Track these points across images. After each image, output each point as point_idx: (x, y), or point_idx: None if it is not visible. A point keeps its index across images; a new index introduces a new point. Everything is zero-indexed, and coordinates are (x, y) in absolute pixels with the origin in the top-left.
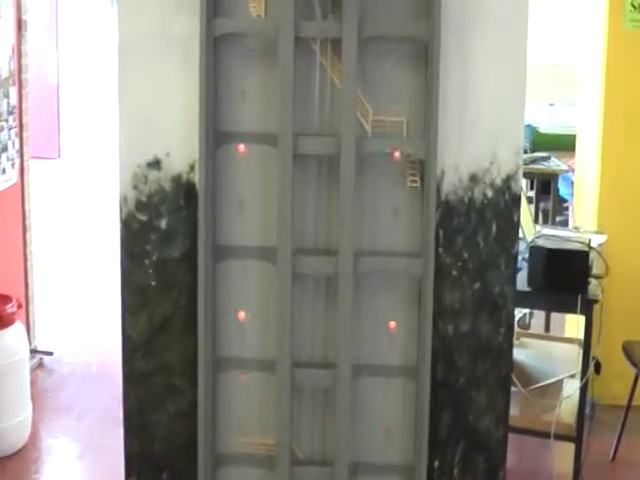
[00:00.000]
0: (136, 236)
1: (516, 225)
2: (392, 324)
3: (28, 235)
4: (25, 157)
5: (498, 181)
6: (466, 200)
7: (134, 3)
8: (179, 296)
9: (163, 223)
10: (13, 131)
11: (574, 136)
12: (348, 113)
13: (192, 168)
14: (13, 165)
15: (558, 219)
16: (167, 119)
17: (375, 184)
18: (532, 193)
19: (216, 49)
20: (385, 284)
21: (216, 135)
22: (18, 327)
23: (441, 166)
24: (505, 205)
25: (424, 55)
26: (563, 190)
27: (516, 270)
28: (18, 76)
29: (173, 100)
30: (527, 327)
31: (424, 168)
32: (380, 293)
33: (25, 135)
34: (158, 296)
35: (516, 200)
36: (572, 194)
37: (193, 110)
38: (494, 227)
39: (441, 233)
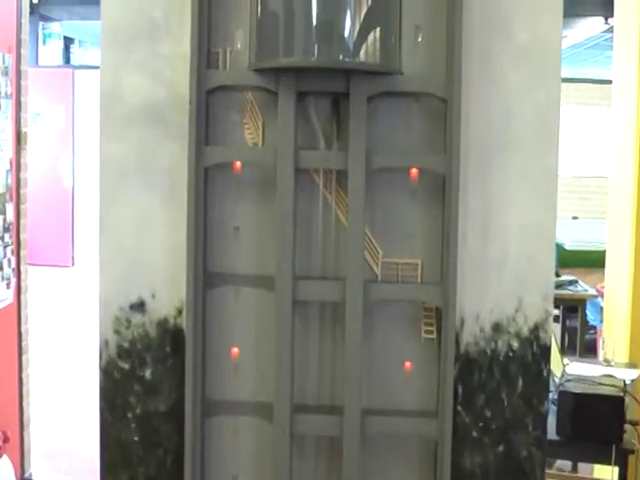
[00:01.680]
0: (118, 386)
1: (546, 380)
2: None
3: (24, 357)
4: (23, 276)
5: (525, 331)
6: (489, 352)
7: (115, 129)
8: (165, 455)
9: (148, 373)
10: (9, 249)
11: (602, 252)
12: (355, 254)
13: (180, 312)
14: (9, 285)
15: (586, 337)
16: (152, 257)
17: (385, 334)
18: (557, 312)
19: (206, 180)
20: (395, 447)
21: (206, 276)
22: (4, 462)
23: (460, 314)
24: (533, 358)
25: (441, 188)
26: (591, 316)
27: (546, 432)
28: (16, 191)
29: (159, 236)
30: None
31: (441, 317)
32: (390, 457)
33: (23, 253)
34: (141, 454)
35: (545, 352)
36: (601, 320)
37: (181, 248)
38: (520, 383)
39: (460, 390)
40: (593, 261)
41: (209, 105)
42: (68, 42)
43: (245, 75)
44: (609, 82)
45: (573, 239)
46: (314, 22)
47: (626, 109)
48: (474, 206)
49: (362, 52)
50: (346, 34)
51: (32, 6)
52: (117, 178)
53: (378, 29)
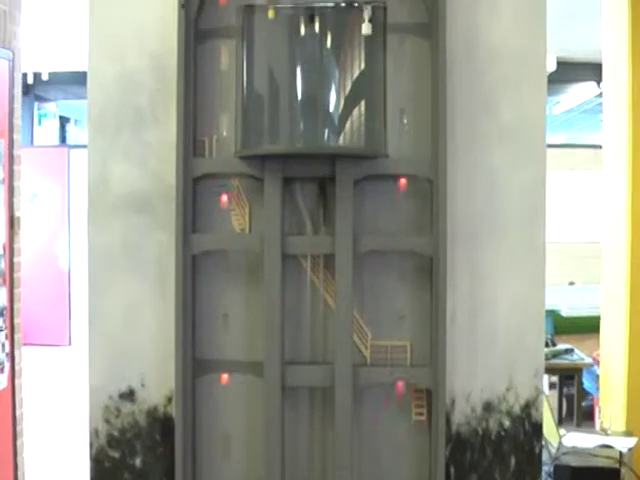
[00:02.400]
0: (108, 475)
1: (538, 458)
2: None
3: (19, 442)
4: (17, 360)
5: (516, 409)
6: (480, 432)
7: (103, 217)
8: None
9: (138, 461)
10: (3, 333)
11: (598, 318)
12: (343, 338)
13: (169, 400)
14: (2, 369)
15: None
16: (141, 345)
17: (375, 416)
18: (554, 379)
19: (194, 267)
20: None
21: (195, 363)
22: None
23: (451, 395)
24: (525, 436)
25: (428, 269)
26: (588, 384)
27: None
28: (10, 275)
29: (148, 325)
30: None
31: (431, 398)
32: None
33: (17, 337)
34: None
35: (537, 429)
36: (598, 388)
37: (169, 335)
38: (513, 462)
39: (452, 470)
40: (590, 327)
41: (196, 192)
42: (64, 121)
43: (231, 162)
44: (601, 147)
45: (570, 305)
46: (298, 109)
47: (617, 173)
48: (462, 285)
49: (347, 137)
50: (331, 120)
51: (27, 87)
52: (105, 266)
53: (363, 114)
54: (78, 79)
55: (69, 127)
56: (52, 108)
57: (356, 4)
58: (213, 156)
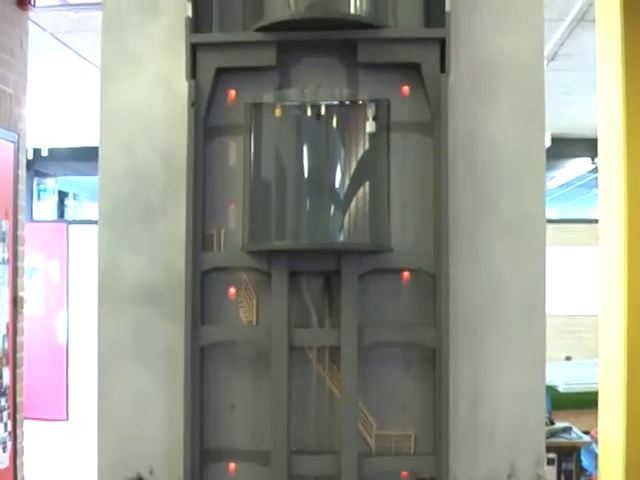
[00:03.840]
0: None
1: None
2: None
3: None
4: (19, 439)
5: None
6: None
7: (113, 307)
8: None
9: None
10: (5, 413)
11: (596, 393)
12: (349, 428)
13: None
14: (4, 448)
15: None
16: (150, 433)
17: None
18: (552, 455)
19: (203, 358)
20: None
21: (203, 452)
22: None
23: None
24: None
25: (431, 359)
26: (586, 462)
27: None
28: (13, 355)
29: (156, 413)
30: None
31: None
32: None
33: (19, 416)
34: None
35: None
36: (596, 466)
37: (178, 424)
38: None
39: None
40: (588, 402)
41: (204, 285)
42: (62, 196)
43: (239, 256)
44: (596, 221)
45: (567, 381)
46: (304, 205)
47: (613, 248)
48: (464, 375)
49: (352, 232)
50: (336, 215)
51: (27, 162)
52: (115, 355)
53: (367, 209)
54: (77, 155)
55: (68, 202)
56: (51, 183)
57: (360, 102)
58: (221, 249)
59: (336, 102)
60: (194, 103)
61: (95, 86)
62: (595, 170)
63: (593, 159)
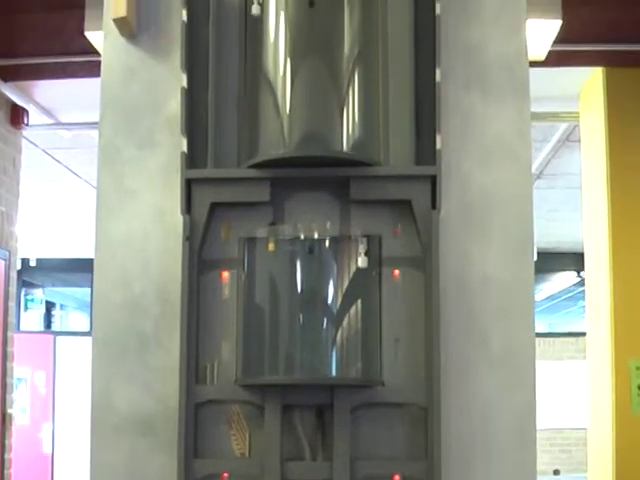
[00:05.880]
0: None
1: None
2: None
3: None
4: None
5: None
6: None
7: (106, 438)
8: None
9: None
10: None
11: None
12: None
13: None
14: None
15: None
16: None
17: None
18: None
19: None
20: None
21: None
22: None
23: None
24: None
25: None
26: None
27: None
28: (0, 472)
29: None
30: None
31: None
32: None
33: None
34: None
35: None
36: None
37: None
38: None
39: None
40: None
41: (197, 417)
42: (49, 306)
43: (232, 389)
44: (583, 334)
45: None
46: (297, 340)
47: (600, 362)
48: None
49: (344, 367)
50: (328, 350)
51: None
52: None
53: (359, 344)
54: (65, 266)
55: (55, 312)
56: (39, 294)
57: (352, 237)
58: (215, 382)
59: (328, 237)
60: (189, 237)
61: (84, 200)
62: (581, 283)
63: (579, 272)
